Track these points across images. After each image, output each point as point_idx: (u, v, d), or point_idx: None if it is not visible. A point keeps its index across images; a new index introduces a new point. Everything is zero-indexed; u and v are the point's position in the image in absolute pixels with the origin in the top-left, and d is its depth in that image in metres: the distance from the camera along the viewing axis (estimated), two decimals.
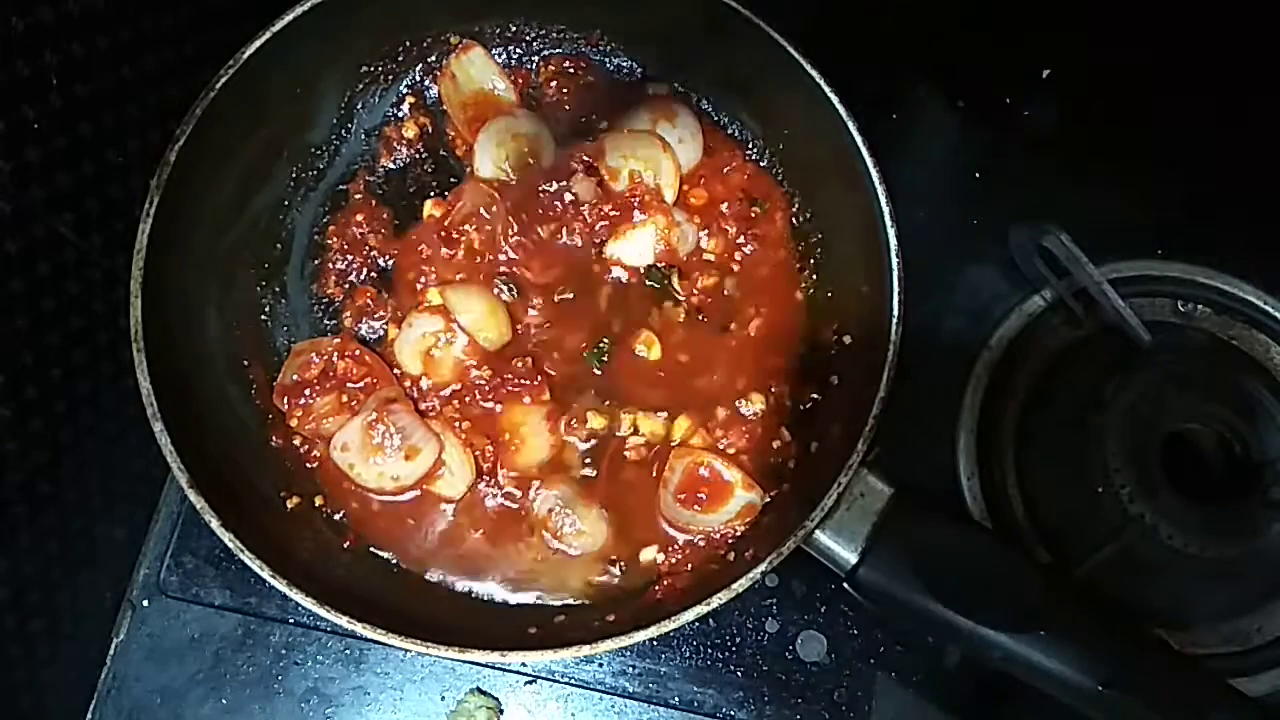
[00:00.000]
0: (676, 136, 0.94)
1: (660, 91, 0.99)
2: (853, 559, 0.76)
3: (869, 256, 0.84)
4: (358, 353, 0.88)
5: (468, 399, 0.88)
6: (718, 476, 0.85)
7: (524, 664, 0.91)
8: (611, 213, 0.93)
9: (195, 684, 0.92)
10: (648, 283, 0.92)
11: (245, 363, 0.89)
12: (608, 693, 0.91)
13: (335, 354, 0.87)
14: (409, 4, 0.93)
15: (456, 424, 0.87)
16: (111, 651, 0.93)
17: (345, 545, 0.85)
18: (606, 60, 1.01)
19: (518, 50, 1.00)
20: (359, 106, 0.97)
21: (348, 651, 0.92)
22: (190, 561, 0.94)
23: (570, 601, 0.85)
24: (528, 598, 0.85)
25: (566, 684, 0.91)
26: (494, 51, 0.99)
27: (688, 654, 0.92)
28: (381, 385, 0.87)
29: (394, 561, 0.86)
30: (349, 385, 0.87)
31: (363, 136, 0.98)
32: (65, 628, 0.87)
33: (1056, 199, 1.02)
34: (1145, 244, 1.03)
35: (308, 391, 0.86)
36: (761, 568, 0.73)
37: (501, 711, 0.91)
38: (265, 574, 0.72)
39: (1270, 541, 0.85)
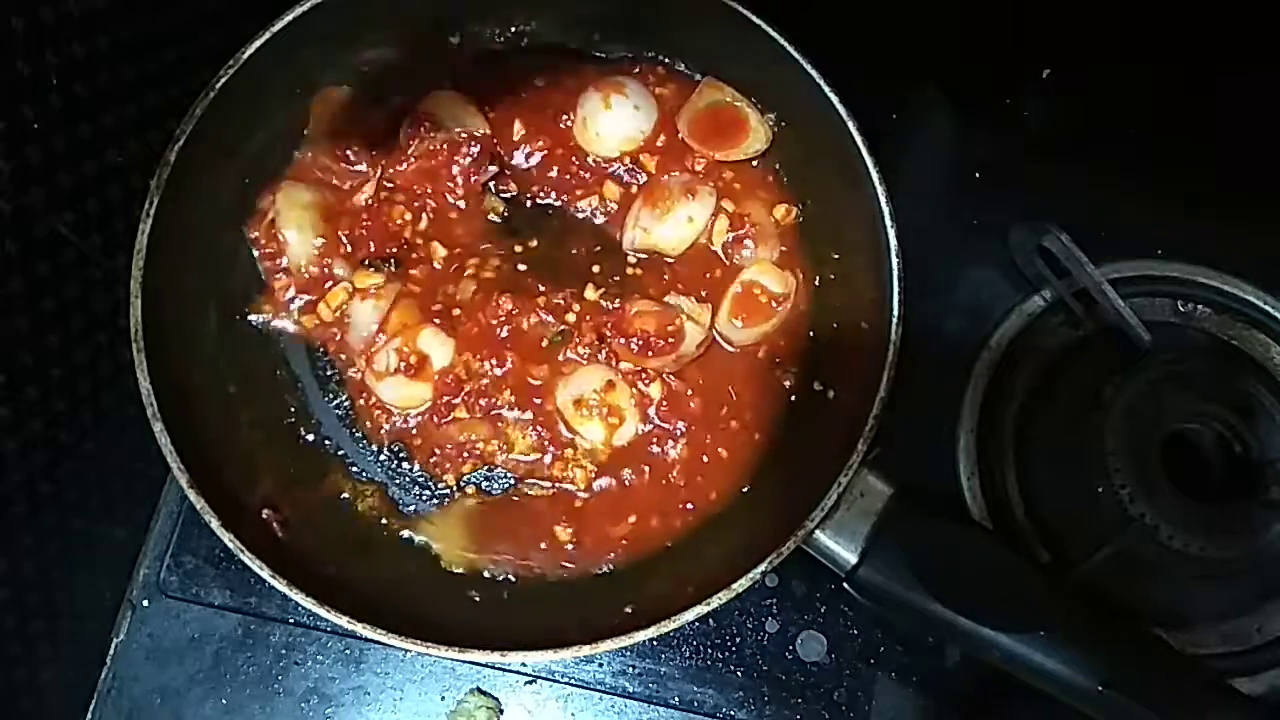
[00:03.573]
0: (632, 104, 0.93)
1: (611, 57, 0.98)
2: (853, 559, 0.76)
3: (869, 256, 0.84)
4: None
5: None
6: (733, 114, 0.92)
7: (524, 664, 0.91)
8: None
9: (195, 684, 0.92)
10: None
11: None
12: (608, 693, 0.91)
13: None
14: (409, 4, 0.93)
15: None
16: (111, 651, 0.93)
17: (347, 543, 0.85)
18: (598, 52, 1.00)
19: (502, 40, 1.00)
20: None
21: (348, 651, 0.92)
22: (190, 561, 0.94)
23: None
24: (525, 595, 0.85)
25: (566, 684, 0.91)
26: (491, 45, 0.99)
27: (688, 654, 0.92)
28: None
29: (391, 562, 0.86)
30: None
31: None
32: (65, 628, 0.87)
33: (1056, 199, 1.02)
34: (1145, 244, 1.03)
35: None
36: (761, 567, 0.73)
37: (501, 711, 0.91)
38: (265, 574, 0.72)
39: (1270, 541, 0.85)
